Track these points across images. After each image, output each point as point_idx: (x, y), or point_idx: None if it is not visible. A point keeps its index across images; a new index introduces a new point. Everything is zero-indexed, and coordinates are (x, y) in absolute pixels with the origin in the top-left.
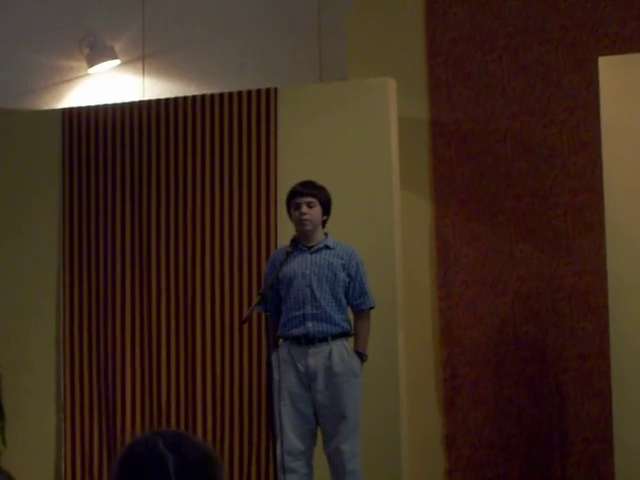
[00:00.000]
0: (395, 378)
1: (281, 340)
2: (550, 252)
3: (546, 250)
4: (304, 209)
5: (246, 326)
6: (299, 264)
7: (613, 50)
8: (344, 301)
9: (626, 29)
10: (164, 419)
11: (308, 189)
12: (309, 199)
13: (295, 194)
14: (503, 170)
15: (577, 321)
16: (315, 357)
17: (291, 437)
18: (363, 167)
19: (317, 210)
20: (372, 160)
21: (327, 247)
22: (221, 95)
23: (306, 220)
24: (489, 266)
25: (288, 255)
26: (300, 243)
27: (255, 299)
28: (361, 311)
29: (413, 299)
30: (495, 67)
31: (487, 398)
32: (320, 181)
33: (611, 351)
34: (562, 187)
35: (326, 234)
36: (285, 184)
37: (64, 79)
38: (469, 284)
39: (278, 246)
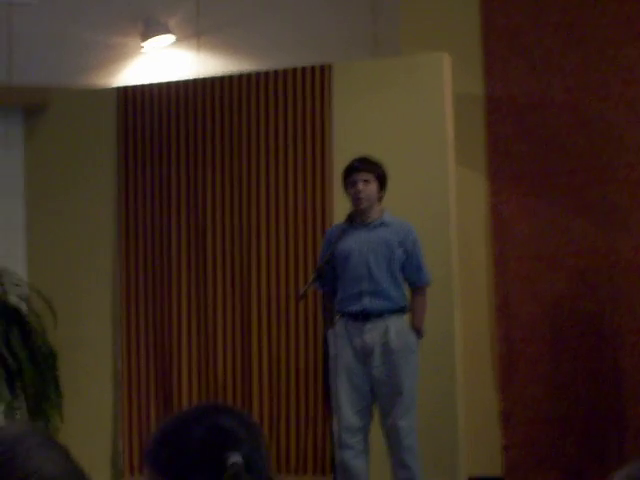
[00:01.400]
0: (451, 354)
1: (337, 316)
2: (606, 227)
3: (602, 225)
4: (360, 186)
5: (302, 302)
6: (355, 241)
7: None
8: (400, 277)
9: None
10: (220, 395)
11: (364, 165)
12: (365, 175)
13: (351, 170)
14: (559, 145)
15: (634, 296)
16: (372, 333)
17: (348, 413)
18: (418, 143)
19: (373, 187)
20: (427, 136)
21: (383, 224)
22: (275, 72)
23: (362, 198)
24: (545, 242)
25: (344, 232)
26: (356, 219)
27: (311, 276)
28: (417, 287)
29: (469, 275)
30: (550, 41)
31: (543, 374)
32: (375, 157)
33: None
34: (618, 161)
35: (382, 210)
36: (340, 161)
37: (118, 56)
38: (525, 260)
39: (333, 223)
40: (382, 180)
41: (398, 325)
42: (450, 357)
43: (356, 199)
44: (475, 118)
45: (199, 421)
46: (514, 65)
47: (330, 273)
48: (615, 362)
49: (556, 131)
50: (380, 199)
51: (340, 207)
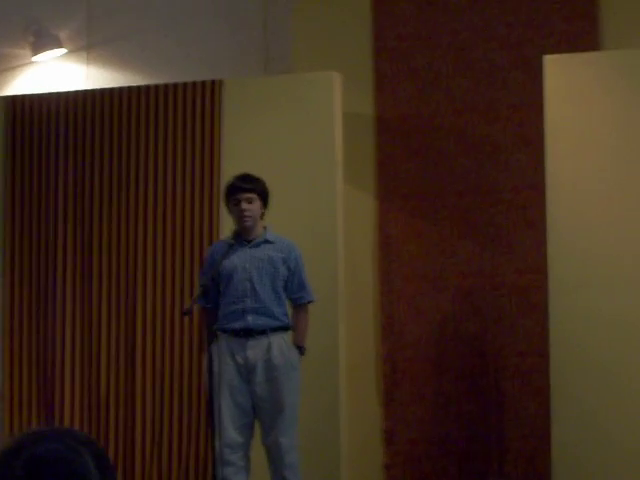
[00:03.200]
0: (335, 372)
1: (219, 333)
2: (492, 249)
3: (488, 247)
4: (244, 205)
5: (187, 319)
6: (239, 258)
7: (558, 49)
8: (283, 295)
9: (572, 28)
10: (103, 410)
11: (247, 184)
12: (248, 195)
13: (234, 190)
14: (447, 166)
15: (517, 318)
16: (254, 349)
17: (229, 430)
18: (307, 161)
19: (257, 204)
20: (316, 154)
21: (267, 241)
22: (165, 86)
23: (247, 216)
24: (431, 262)
25: (229, 249)
26: (240, 237)
27: (196, 291)
28: (300, 305)
29: (355, 293)
30: (440, 64)
31: (427, 394)
32: (264, 174)
33: (550, 349)
34: (505, 184)
35: (265, 227)
36: (228, 177)
37: (8, 67)
38: (411, 279)
39: (219, 239)
40: (264, 197)
41: (281, 342)
42: (334, 374)
43: (241, 217)
44: (365, 138)
45: (17, 454)
46: (404, 86)
47: (214, 290)
48: (497, 383)
49: (444, 153)
50: (262, 216)
51: (227, 223)
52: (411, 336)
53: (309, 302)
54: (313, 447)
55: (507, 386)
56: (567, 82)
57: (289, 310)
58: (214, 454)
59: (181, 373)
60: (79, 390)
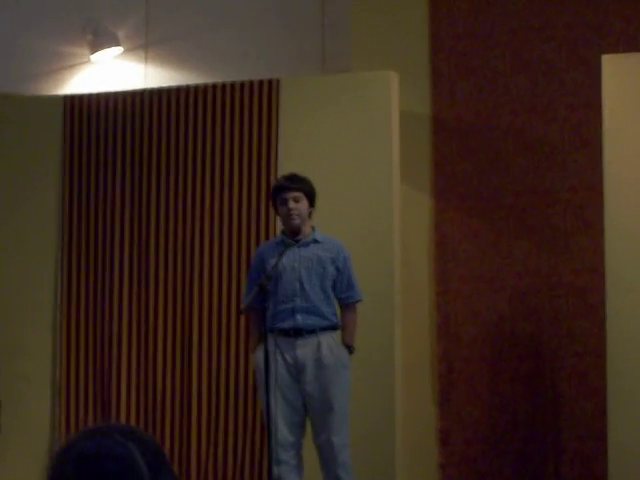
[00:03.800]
0: (391, 372)
1: (268, 332)
2: (548, 249)
3: (544, 247)
4: (291, 204)
5: (243, 317)
6: (288, 258)
7: (617, 48)
8: (332, 294)
9: (630, 27)
10: (159, 406)
11: (294, 183)
12: (295, 193)
13: (281, 189)
14: (503, 166)
15: (574, 319)
16: (303, 349)
17: (282, 428)
18: (364, 160)
19: (304, 204)
20: (373, 153)
21: (315, 241)
22: (223, 85)
23: (294, 215)
24: (487, 262)
25: (278, 249)
26: (288, 237)
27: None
28: (348, 304)
29: (411, 293)
30: (498, 63)
31: (482, 394)
32: (320, 173)
33: (607, 349)
34: (562, 184)
35: (313, 227)
36: None
37: (66, 65)
38: (467, 279)
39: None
40: (311, 197)
41: (330, 341)
42: (390, 374)
43: (288, 216)
44: (421, 137)
45: (68, 452)
46: (461, 86)
47: (262, 290)
48: (553, 384)
49: (501, 153)
50: (310, 215)
51: None
52: (467, 336)
53: (357, 302)
54: (368, 446)
55: (563, 387)
56: (625, 82)
57: (338, 310)
58: (269, 453)
59: (237, 372)
60: (135, 389)
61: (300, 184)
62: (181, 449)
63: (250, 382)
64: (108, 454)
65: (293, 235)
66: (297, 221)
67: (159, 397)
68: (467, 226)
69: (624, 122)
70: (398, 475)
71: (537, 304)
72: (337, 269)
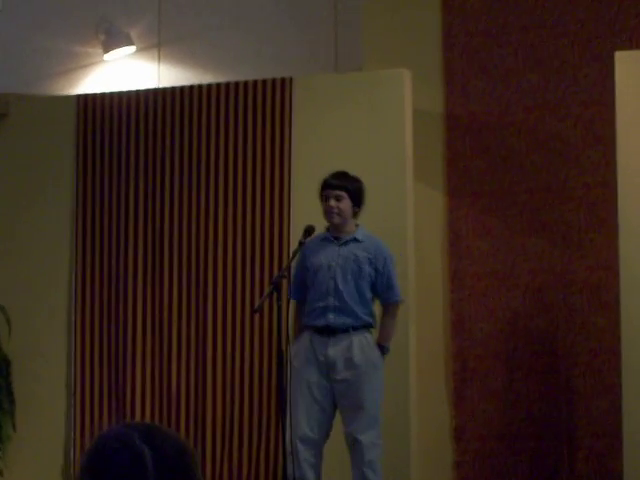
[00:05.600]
0: (405, 369)
1: (304, 329)
2: (562, 246)
3: (558, 244)
4: (332, 202)
5: (257, 316)
6: (326, 255)
7: (630, 45)
8: (368, 295)
9: None
10: (174, 406)
11: (337, 181)
12: (338, 192)
13: (325, 186)
14: (517, 163)
15: (588, 316)
16: (335, 347)
17: (303, 424)
18: (377, 158)
19: (346, 203)
20: (386, 151)
21: (356, 240)
22: (236, 84)
23: (333, 213)
24: (501, 259)
25: (319, 245)
26: (330, 234)
27: (267, 289)
28: (387, 305)
29: (425, 291)
30: (510, 60)
31: (497, 391)
32: (334, 170)
33: (622, 346)
34: (575, 181)
35: (357, 226)
36: (299, 173)
37: (79, 65)
38: (481, 277)
39: (291, 236)
40: (356, 197)
41: (362, 341)
42: (404, 372)
43: (327, 214)
44: (434, 135)
45: (120, 448)
46: (474, 83)
47: (303, 284)
48: (568, 381)
49: (514, 150)
50: (355, 215)
51: (298, 222)
52: (481, 334)
53: (396, 303)
54: (384, 444)
55: (578, 384)
56: (639, 78)
57: (378, 310)
58: (284, 449)
59: (251, 371)
60: (150, 387)
61: (343, 183)
62: (195, 447)
63: (265, 380)
64: (115, 449)
65: (335, 232)
66: (335, 219)
67: (174, 397)
68: (481, 223)
69: (637, 118)
70: (413, 472)
71: (551, 301)
72: (376, 269)
